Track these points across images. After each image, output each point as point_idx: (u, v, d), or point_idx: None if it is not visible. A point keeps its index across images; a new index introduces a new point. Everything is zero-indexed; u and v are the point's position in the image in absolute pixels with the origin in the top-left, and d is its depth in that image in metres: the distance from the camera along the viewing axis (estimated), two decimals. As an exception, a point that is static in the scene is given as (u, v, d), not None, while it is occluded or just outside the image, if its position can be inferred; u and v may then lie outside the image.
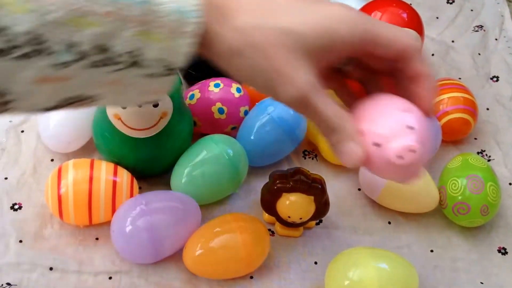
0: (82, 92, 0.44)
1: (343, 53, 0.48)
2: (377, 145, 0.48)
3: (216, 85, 0.75)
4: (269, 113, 0.73)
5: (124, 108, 0.66)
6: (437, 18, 0.93)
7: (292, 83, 0.45)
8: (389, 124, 0.48)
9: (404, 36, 0.49)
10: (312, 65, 0.46)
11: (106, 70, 0.42)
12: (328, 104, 0.47)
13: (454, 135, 0.80)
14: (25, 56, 0.39)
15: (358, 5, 0.83)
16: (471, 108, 0.79)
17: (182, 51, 0.43)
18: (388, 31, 0.48)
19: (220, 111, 0.74)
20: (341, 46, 0.47)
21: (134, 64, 0.43)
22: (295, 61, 0.45)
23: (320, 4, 0.47)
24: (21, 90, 0.41)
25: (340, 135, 0.48)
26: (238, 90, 0.76)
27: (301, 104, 0.47)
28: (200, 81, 0.78)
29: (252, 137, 0.73)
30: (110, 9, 0.40)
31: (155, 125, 0.67)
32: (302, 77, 0.45)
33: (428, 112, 0.50)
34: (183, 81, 0.80)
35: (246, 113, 0.76)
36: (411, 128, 0.48)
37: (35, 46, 0.39)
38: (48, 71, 0.41)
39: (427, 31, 0.80)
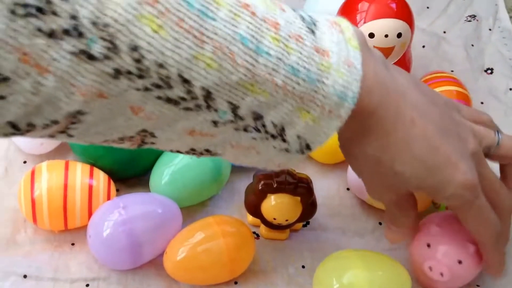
0: (216, 148, 0.46)
1: None
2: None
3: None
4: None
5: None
6: (428, 7, 0.91)
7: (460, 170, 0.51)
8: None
9: None
10: None
11: (247, 135, 0.43)
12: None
13: (447, 130, 0.79)
14: (191, 109, 0.40)
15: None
16: (465, 102, 0.77)
17: (327, 132, 0.45)
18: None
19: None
20: None
21: (276, 136, 0.44)
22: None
23: None
24: (166, 137, 0.43)
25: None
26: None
27: (470, 191, 0.52)
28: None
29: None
30: (281, 82, 0.41)
31: (132, 124, 0.66)
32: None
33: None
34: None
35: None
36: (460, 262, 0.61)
37: (203, 102, 0.40)
38: (202, 126, 0.42)
39: (417, 21, 0.79)
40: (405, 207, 0.57)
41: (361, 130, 0.48)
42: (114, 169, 0.70)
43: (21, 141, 0.73)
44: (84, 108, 0.38)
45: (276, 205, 0.65)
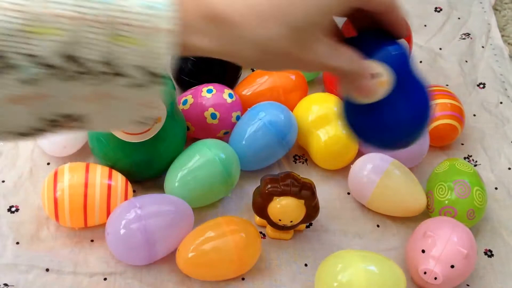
0: (67, 111, 0.40)
1: None
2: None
3: (209, 91, 0.76)
4: (260, 119, 0.74)
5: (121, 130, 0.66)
6: (425, 26, 0.94)
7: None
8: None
9: None
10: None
11: (83, 82, 0.38)
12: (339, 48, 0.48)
13: (442, 141, 0.82)
14: None
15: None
16: (458, 114, 0.80)
17: (161, 52, 0.38)
18: None
19: (213, 116, 0.76)
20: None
21: (115, 74, 0.38)
22: None
23: None
24: None
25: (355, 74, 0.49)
26: (231, 95, 0.77)
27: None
28: (193, 86, 0.79)
29: (243, 142, 0.75)
30: (72, 12, 0.35)
31: (149, 129, 0.68)
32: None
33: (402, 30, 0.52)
34: (176, 86, 0.81)
35: (238, 118, 0.77)
36: (452, 266, 0.64)
37: None
38: (18, 88, 0.37)
39: (415, 38, 0.82)
40: (333, 54, 0.48)
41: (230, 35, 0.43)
42: (131, 172, 0.72)
43: (45, 144, 0.75)
44: None
45: (282, 207, 0.66)
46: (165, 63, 0.39)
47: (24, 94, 0.37)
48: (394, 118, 0.51)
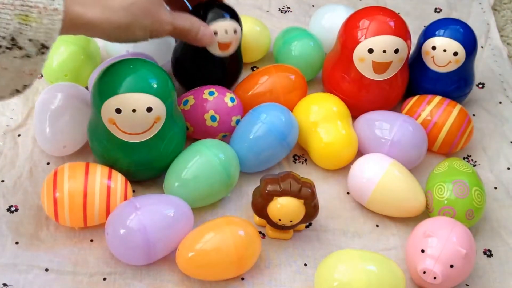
0: None
1: None
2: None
3: (211, 93, 0.77)
4: (261, 121, 0.74)
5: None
6: (424, 26, 0.94)
7: None
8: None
9: None
10: None
11: None
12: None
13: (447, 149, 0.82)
14: None
15: (346, 13, 0.85)
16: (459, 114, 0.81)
17: (54, 28, 0.51)
18: None
19: (213, 118, 0.76)
20: None
21: (11, 47, 0.49)
22: None
23: None
24: None
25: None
26: (232, 99, 0.77)
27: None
28: (195, 87, 0.79)
29: (245, 144, 0.75)
30: None
31: (148, 129, 0.68)
32: None
33: None
34: (176, 87, 0.81)
35: (238, 122, 0.77)
36: (451, 266, 0.64)
37: None
38: None
39: (414, 39, 0.82)
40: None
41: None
42: (131, 172, 0.72)
43: (45, 144, 0.75)
44: None
45: (281, 207, 0.66)
46: (56, 36, 0.52)
47: None
48: None
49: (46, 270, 0.67)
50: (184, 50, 0.81)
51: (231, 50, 0.79)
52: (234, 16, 0.79)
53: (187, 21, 0.71)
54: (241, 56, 0.84)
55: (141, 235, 0.64)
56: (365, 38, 0.76)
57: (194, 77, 0.81)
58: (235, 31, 0.78)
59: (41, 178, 0.73)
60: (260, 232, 0.71)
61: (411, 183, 0.73)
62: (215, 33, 0.76)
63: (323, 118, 0.77)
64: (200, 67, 0.80)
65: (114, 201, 0.68)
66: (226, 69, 0.82)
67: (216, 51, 0.78)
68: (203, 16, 0.76)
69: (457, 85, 0.84)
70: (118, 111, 0.66)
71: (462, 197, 0.71)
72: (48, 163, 0.76)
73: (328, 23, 0.90)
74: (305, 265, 0.70)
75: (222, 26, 0.76)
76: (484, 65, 0.95)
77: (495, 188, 0.80)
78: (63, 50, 0.81)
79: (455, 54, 0.80)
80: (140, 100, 0.66)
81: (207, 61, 0.79)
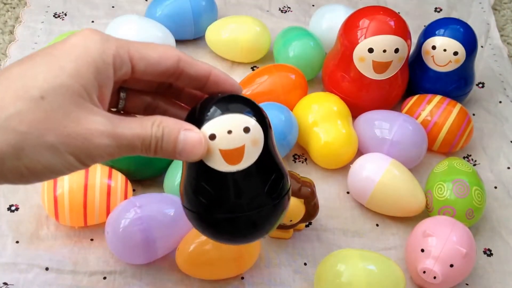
0: None
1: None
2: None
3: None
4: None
5: None
6: (424, 26, 0.94)
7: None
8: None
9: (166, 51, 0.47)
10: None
11: None
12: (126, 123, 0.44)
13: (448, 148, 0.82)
14: None
15: (346, 13, 0.85)
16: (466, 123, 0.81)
17: None
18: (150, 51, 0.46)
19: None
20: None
21: None
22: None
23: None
24: None
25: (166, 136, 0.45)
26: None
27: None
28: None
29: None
30: None
31: (149, 129, 0.68)
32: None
33: (235, 87, 0.51)
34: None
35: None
36: (451, 266, 0.64)
37: None
38: None
39: (414, 39, 0.82)
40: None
41: None
42: (131, 171, 0.72)
43: None
44: None
45: None
46: None
47: None
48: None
49: (46, 269, 0.67)
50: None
51: (242, 166, 0.47)
52: (248, 108, 0.48)
53: (144, 125, 0.44)
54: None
55: (141, 234, 0.64)
56: (365, 38, 0.77)
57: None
58: (246, 130, 0.47)
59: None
60: (260, 231, 0.71)
61: (411, 182, 0.73)
62: (212, 137, 0.46)
63: (323, 118, 0.77)
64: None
65: (114, 200, 0.68)
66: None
67: (219, 165, 0.47)
68: (198, 117, 0.47)
69: (457, 84, 0.84)
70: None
71: (462, 196, 0.71)
72: (48, 162, 0.76)
73: (328, 23, 0.90)
74: (305, 264, 0.70)
75: (223, 124, 0.47)
76: (484, 64, 0.95)
77: (495, 187, 0.80)
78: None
79: (455, 53, 0.81)
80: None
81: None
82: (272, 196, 0.49)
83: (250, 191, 0.48)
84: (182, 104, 0.54)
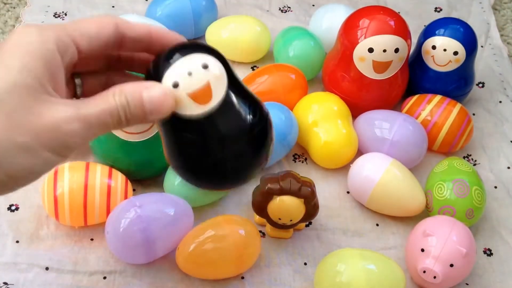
0: None
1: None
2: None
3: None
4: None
5: None
6: (424, 25, 0.94)
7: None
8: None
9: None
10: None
11: None
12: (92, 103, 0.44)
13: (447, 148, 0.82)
14: None
15: (346, 13, 0.85)
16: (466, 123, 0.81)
17: None
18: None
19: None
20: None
21: None
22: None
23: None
24: None
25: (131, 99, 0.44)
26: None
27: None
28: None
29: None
30: None
31: (148, 129, 0.68)
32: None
33: (180, 38, 0.51)
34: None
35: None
36: (451, 265, 0.64)
37: None
38: None
39: (414, 39, 0.82)
40: None
41: None
42: (131, 171, 0.72)
43: None
44: None
45: (281, 206, 0.66)
46: None
47: None
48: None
49: (46, 269, 0.67)
50: None
51: (213, 102, 0.47)
52: (198, 47, 0.49)
53: (105, 98, 0.44)
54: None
55: (141, 234, 0.64)
56: (365, 38, 0.77)
57: None
58: (205, 66, 0.47)
59: (42, 177, 0.72)
60: (260, 231, 0.71)
61: (411, 182, 0.73)
62: (175, 85, 0.46)
63: (323, 117, 0.77)
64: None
65: (114, 200, 0.68)
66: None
67: (192, 110, 0.47)
68: (155, 73, 0.48)
69: (457, 84, 0.84)
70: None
71: (462, 196, 0.71)
72: (48, 162, 0.76)
73: (328, 22, 0.90)
74: (305, 264, 0.70)
75: (181, 69, 0.47)
76: (484, 64, 0.95)
77: (495, 187, 0.80)
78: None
79: (455, 53, 0.81)
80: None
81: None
82: (253, 123, 0.50)
83: (231, 125, 0.48)
84: (138, 74, 0.54)
